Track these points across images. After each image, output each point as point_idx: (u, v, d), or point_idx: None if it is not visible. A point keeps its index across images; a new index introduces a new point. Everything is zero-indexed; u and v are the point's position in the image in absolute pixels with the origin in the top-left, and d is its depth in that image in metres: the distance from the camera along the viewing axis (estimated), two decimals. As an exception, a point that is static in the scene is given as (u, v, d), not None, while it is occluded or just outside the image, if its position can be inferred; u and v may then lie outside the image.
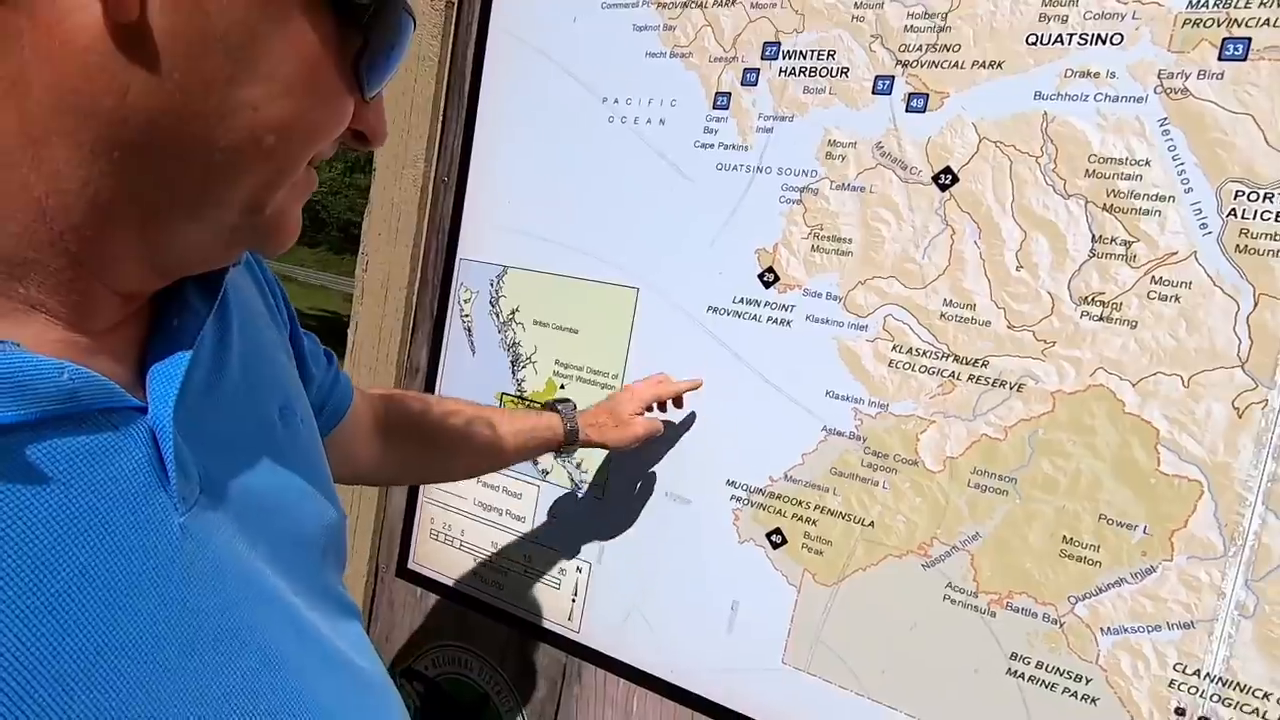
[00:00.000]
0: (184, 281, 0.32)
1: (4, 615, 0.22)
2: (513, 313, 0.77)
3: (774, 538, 0.64)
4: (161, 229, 0.28)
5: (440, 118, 0.82)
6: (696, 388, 0.66)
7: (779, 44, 0.64)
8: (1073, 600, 0.53)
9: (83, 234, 0.26)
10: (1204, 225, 0.50)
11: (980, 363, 0.56)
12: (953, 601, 0.57)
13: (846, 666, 0.61)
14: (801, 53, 0.63)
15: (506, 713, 0.77)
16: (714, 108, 0.66)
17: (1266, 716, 0.48)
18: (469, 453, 0.62)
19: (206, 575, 0.29)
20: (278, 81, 0.27)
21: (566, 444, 0.64)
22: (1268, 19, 0.48)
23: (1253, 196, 0.49)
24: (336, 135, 0.31)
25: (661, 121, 0.69)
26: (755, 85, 0.65)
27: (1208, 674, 0.50)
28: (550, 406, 0.66)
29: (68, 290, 0.27)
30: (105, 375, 0.27)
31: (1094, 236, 0.53)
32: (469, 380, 0.80)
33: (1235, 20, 0.49)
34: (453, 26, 0.81)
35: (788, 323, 0.63)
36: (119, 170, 0.26)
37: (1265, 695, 0.48)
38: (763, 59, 0.64)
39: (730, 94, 0.66)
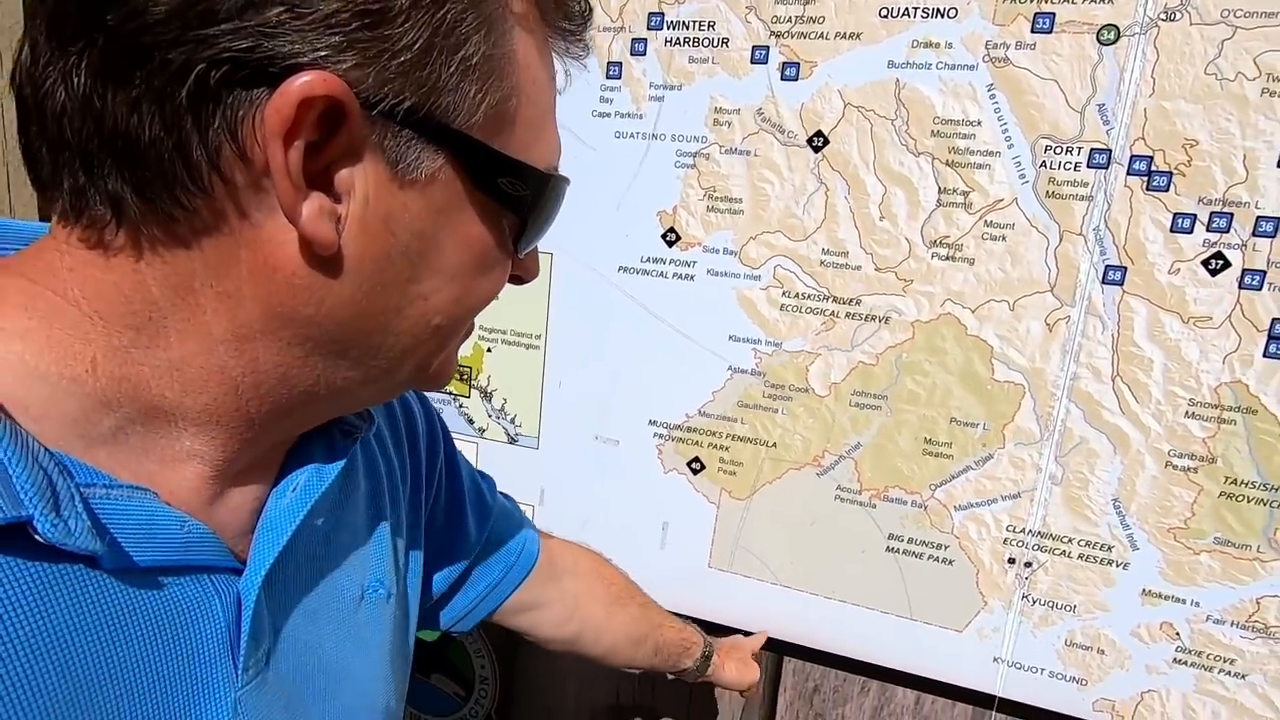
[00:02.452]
0: (314, 448, 0.34)
1: None
2: (431, 283, 0.80)
3: (694, 465, 0.73)
4: (338, 394, 0.31)
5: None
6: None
7: (663, 14, 0.68)
8: (933, 487, 0.66)
9: (266, 402, 0.29)
10: (1022, 176, 0.60)
11: (855, 301, 0.66)
12: (842, 500, 0.69)
13: (762, 562, 0.73)
14: (684, 23, 0.67)
15: (471, 642, 0.86)
16: (607, 77, 0.70)
17: (1070, 554, 0.64)
18: (614, 659, 0.63)
19: None
20: (447, 272, 0.30)
21: (700, 664, 0.66)
22: (1067, -3, 0.57)
23: (1058, 150, 0.59)
24: (497, 296, 0.33)
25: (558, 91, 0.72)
26: (644, 55, 0.69)
27: (1030, 530, 0.65)
28: (688, 618, 0.69)
29: (235, 443, 0.30)
30: (223, 524, 0.30)
31: (939, 188, 0.62)
32: (395, 350, 0.83)
33: (1043, -3, 0.58)
34: None
35: (691, 277, 0.71)
36: (309, 357, 0.29)
37: (1069, 540, 0.64)
38: (649, 29, 0.68)
39: (621, 63, 0.70)
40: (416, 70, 0.25)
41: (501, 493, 0.58)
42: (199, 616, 0.29)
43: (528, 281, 0.36)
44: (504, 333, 0.78)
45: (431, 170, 0.27)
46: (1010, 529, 0.65)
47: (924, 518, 0.67)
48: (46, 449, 0.25)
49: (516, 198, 0.30)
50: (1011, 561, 0.65)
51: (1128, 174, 0.58)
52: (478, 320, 0.78)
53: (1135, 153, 0.57)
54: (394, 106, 0.25)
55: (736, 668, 0.69)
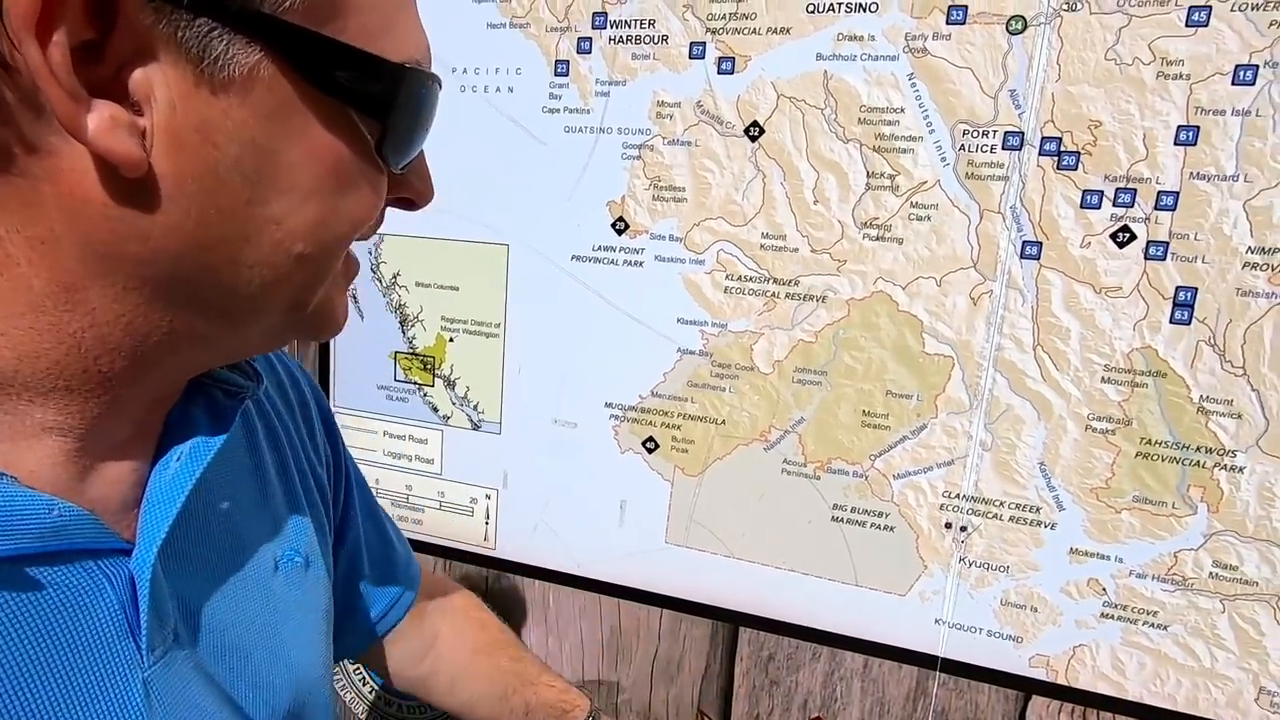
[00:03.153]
0: (195, 410, 0.31)
1: None
2: (394, 277, 0.83)
3: (648, 444, 0.76)
4: (200, 342, 0.28)
5: (293, 92, 0.83)
6: None
7: (606, 14, 0.71)
8: (872, 458, 0.70)
9: (118, 358, 0.26)
10: (944, 159, 0.64)
11: (793, 282, 0.69)
12: (789, 473, 0.72)
13: (715, 537, 0.76)
14: (626, 22, 0.71)
15: (441, 627, 0.88)
16: (555, 75, 0.74)
17: (1001, 517, 0.67)
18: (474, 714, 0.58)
19: None
20: (299, 190, 0.26)
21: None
22: (977, -10, 0.61)
23: (975, 134, 0.63)
24: (373, 219, 0.30)
25: (510, 90, 0.75)
26: (590, 53, 0.72)
27: (964, 495, 0.68)
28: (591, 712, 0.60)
29: (93, 407, 0.27)
30: (101, 501, 0.27)
31: (868, 173, 0.66)
32: (362, 344, 0.86)
33: (956, -9, 0.62)
34: None
35: (640, 263, 0.74)
36: (153, 301, 0.25)
37: (1000, 503, 0.67)
38: (593, 28, 0.72)
39: (569, 61, 0.73)
40: None
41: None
42: (88, 603, 0.26)
43: (421, 205, 0.33)
44: (465, 322, 0.81)
45: (248, 66, 0.23)
46: (946, 495, 0.68)
47: (865, 487, 0.70)
48: None
49: (367, 96, 0.26)
50: (948, 526, 0.69)
51: (1039, 154, 0.62)
52: (440, 312, 0.81)
53: (1045, 134, 0.61)
54: None
55: None
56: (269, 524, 0.37)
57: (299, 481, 0.41)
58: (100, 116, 0.22)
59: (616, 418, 0.77)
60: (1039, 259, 0.63)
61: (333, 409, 0.88)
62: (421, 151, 0.32)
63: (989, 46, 0.61)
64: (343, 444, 0.50)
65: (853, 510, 0.71)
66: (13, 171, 0.22)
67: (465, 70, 0.76)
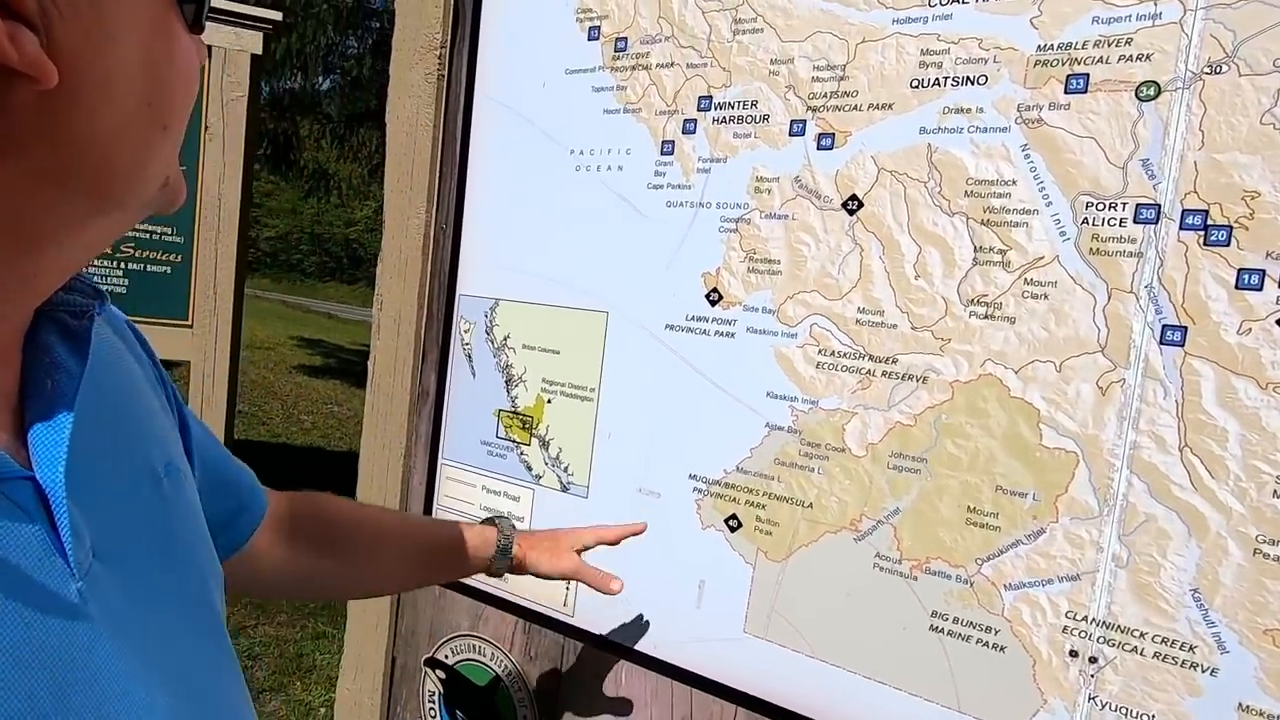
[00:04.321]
0: (49, 337, 0.33)
1: None
2: (505, 339, 0.89)
3: (731, 522, 0.73)
4: (86, 227, 0.30)
5: (437, 174, 0.94)
6: (638, 533, 0.71)
7: (711, 97, 0.74)
8: (979, 562, 0.62)
9: (13, 264, 0.28)
10: (1063, 233, 0.59)
11: (891, 360, 0.65)
12: (881, 569, 0.66)
13: (798, 632, 0.70)
14: (730, 104, 0.73)
15: (515, 691, 0.87)
16: (661, 154, 0.77)
17: (1143, 651, 0.56)
18: (381, 564, 0.60)
19: (107, 640, 0.29)
20: (159, 70, 0.30)
21: (499, 556, 0.65)
22: (1100, 57, 0.57)
23: (1100, 206, 0.57)
24: (198, 80, 0.33)
25: (620, 168, 0.80)
26: (694, 133, 0.75)
27: (1094, 619, 0.58)
28: (490, 521, 0.67)
29: None
30: None
31: (975, 247, 0.62)
32: (471, 400, 0.91)
33: (1076, 59, 0.58)
34: (444, 96, 0.93)
35: (731, 335, 0.73)
36: (53, 194, 0.28)
37: (1141, 634, 0.56)
38: (698, 110, 0.75)
39: (674, 141, 0.76)
40: None
41: None
42: (13, 527, 0.27)
43: (199, 65, 0.35)
44: (563, 385, 0.84)
45: None
46: (1070, 615, 0.58)
47: (970, 595, 0.62)
48: None
49: None
50: (1074, 654, 0.58)
51: (1180, 229, 0.55)
52: (542, 374, 0.85)
53: (1187, 207, 0.54)
54: None
55: (548, 559, 0.67)
56: (141, 436, 0.38)
57: (153, 397, 0.42)
58: (16, 37, 0.24)
59: (700, 491, 0.75)
60: (1183, 345, 0.54)
61: (440, 460, 0.94)
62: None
63: (1115, 115, 0.57)
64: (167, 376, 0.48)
65: (955, 620, 0.62)
66: None
67: (581, 151, 0.82)
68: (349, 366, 7.70)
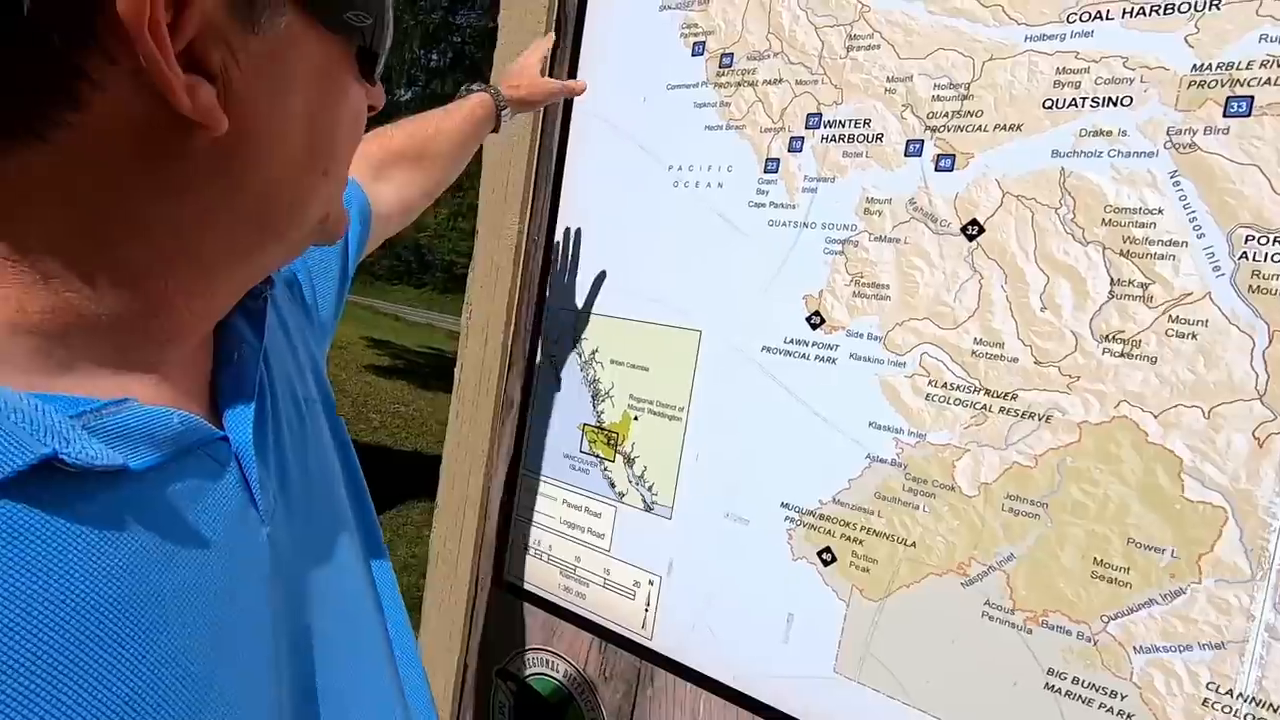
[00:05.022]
0: (235, 319, 0.37)
1: (176, 631, 0.26)
2: (593, 353, 0.88)
3: (824, 556, 0.70)
4: (254, 257, 0.34)
5: (531, 186, 0.95)
6: (575, 90, 0.84)
7: (820, 115, 0.72)
8: (1105, 619, 0.57)
9: (197, 294, 0.32)
10: (1216, 268, 0.54)
11: (1010, 396, 0.61)
12: (990, 618, 0.61)
13: (893, 677, 0.66)
14: (841, 122, 0.71)
15: (588, 711, 0.86)
16: (764, 172, 0.75)
17: (1300, 737, 0.50)
18: (445, 156, 0.74)
19: (287, 576, 0.34)
20: (327, 120, 0.32)
21: (500, 109, 0.78)
22: (1268, 79, 0.52)
23: (1263, 240, 0.52)
24: (363, 130, 0.36)
25: (720, 185, 0.79)
26: (800, 151, 0.73)
27: (1240, 694, 0.52)
28: (468, 90, 0.79)
29: (180, 333, 0.32)
30: (186, 401, 0.32)
31: (1112, 279, 0.57)
32: (556, 412, 0.91)
33: (1237, 80, 0.53)
34: (542, 110, 0.94)
35: (833, 360, 0.70)
36: (229, 231, 0.31)
37: (1299, 716, 0.50)
38: (806, 128, 0.73)
39: (779, 159, 0.75)
40: None
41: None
42: (218, 484, 0.31)
43: (378, 109, 0.38)
44: (651, 402, 0.83)
45: (285, 23, 0.29)
46: (1213, 688, 0.53)
47: (1094, 655, 0.57)
48: (21, 393, 0.25)
49: (365, 28, 0.32)
50: (1215, 731, 0.53)
51: (1361, 268, 0.49)
52: (629, 390, 0.84)
53: (1370, 244, 0.49)
54: None
55: (531, 91, 0.81)
56: (290, 378, 0.42)
57: (301, 324, 0.48)
58: (195, 90, 0.26)
59: (792, 520, 0.72)
60: (1361, 397, 0.49)
61: (522, 470, 0.94)
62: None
63: (1284, 141, 0.52)
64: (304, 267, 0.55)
65: (1075, 681, 0.58)
66: (109, 148, 0.27)
67: (680, 167, 0.81)
68: (415, 368, 7.93)
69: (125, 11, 0.24)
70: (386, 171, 0.69)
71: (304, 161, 0.32)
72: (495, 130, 0.81)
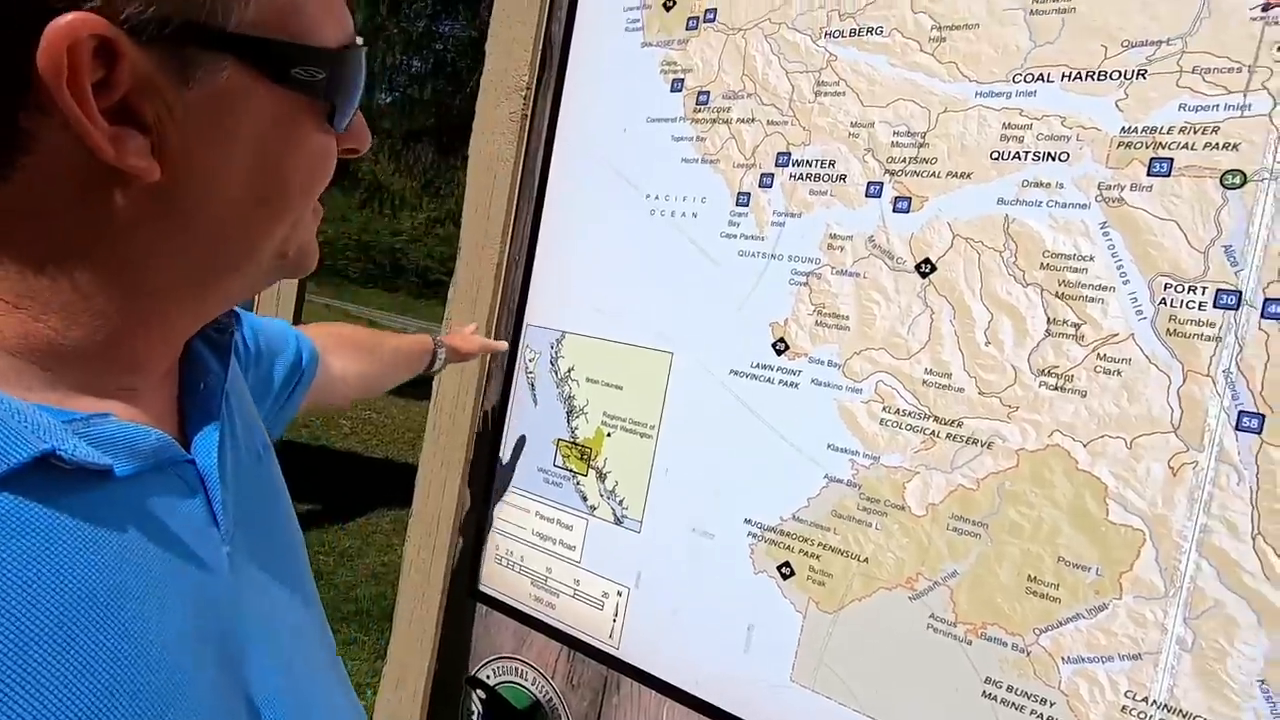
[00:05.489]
0: (201, 349, 0.39)
1: (145, 619, 0.28)
2: (569, 371, 0.92)
3: (783, 570, 0.74)
4: (214, 293, 0.35)
5: (514, 208, 0.98)
6: (493, 349, 0.94)
7: (790, 154, 0.77)
8: (1037, 632, 0.62)
9: (158, 322, 0.33)
10: (1139, 311, 0.59)
11: (956, 423, 0.66)
12: (935, 630, 0.66)
13: (845, 685, 0.70)
14: (808, 161, 0.76)
15: (555, 718, 0.88)
16: (736, 205, 0.80)
17: (1205, 740, 0.55)
18: (385, 362, 0.82)
19: (249, 597, 0.36)
20: (274, 167, 0.32)
21: (437, 348, 0.87)
22: (1185, 143, 0.58)
23: (1179, 289, 0.58)
24: (330, 175, 0.36)
25: (694, 215, 0.83)
26: (770, 187, 0.78)
27: (1155, 701, 0.57)
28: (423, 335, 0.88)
29: (148, 358, 0.34)
30: (156, 422, 0.34)
31: (1049, 319, 0.63)
32: (531, 427, 0.94)
33: (1160, 143, 0.59)
34: (525, 134, 0.98)
35: (795, 385, 0.75)
36: (183, 270, 0.32)
37: (1205, 722, 0.55)
38: (776, 166, 0.78)
39: (750, 194, 0.79)
40: None
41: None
42: (185, 500, 0.33)
43: (362, 151, 0.38)
44: (624, 420, 0.86)
45: (224, 79, 0.29)
46: (1130, 695, 0.58)
47: (1026, 664, 0.62)
48: (19, 400, 0.27)
49: (316, 83, 0.32)
50: (1132, 735, 0.58)
51: (1262, 317, 0.55)
52: (603, 407, 0.87)
53: (1270, 295, 0.55)
54: (161, 27, 0.27)
55: (460, 340, 0.90)
56: (248, 421, 0.44)
57: (244, 378, 0.49)
58: (123, 140, 0.28)
59: (754, 536, 0.76)
60: (1260, 433, 0.55)
61: (496, 483, 0.96)
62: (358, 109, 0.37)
63: (1199, 200, 0.57)
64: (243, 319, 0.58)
65: (1009, 689, 0.62)
66: (57, 191, 0.28)
67: (657, 196, 0.86)
68: (388, 374, 7.83)
69: (44, 70, 0.25)
70: (337, 349, 0.75)
71: (250, 204, 0.33)
72: (429, 369, 0.89)
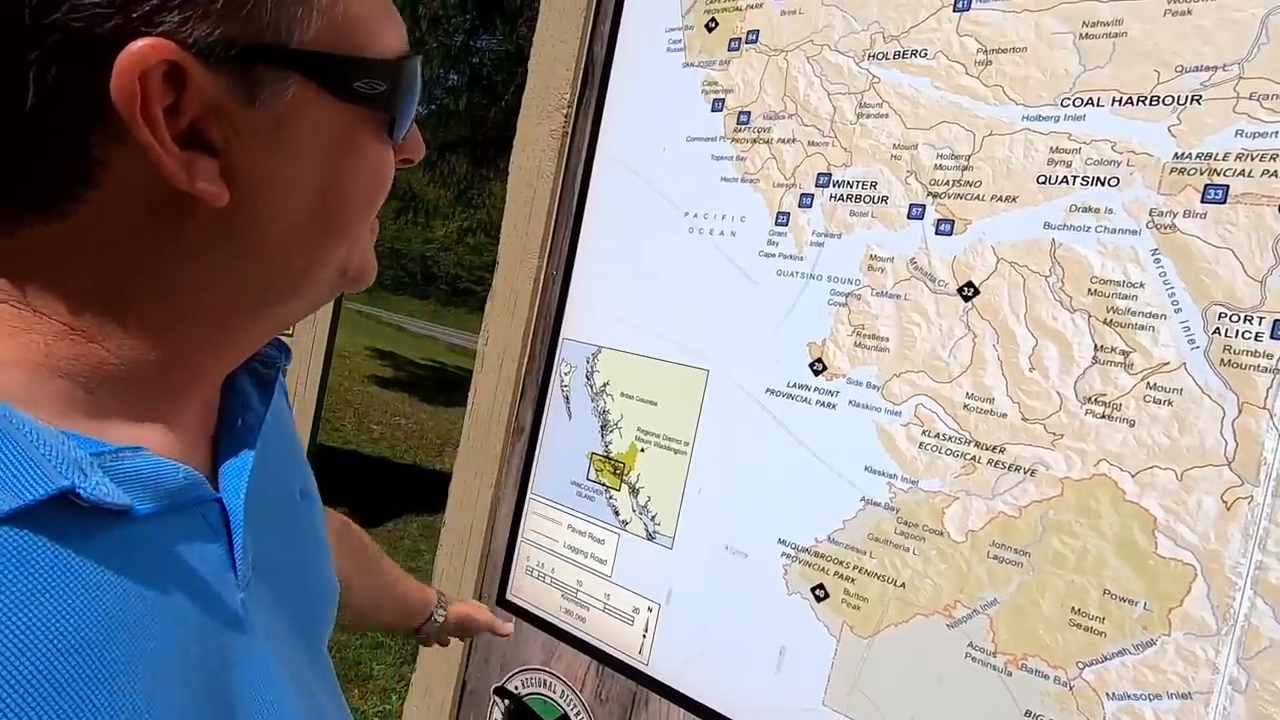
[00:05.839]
0: (244, 383, 0.38)
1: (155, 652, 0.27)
2: (604, 385, 0.92)
3: (818, 592, 0.73)
4: (271, 314, 0.35)
5: (552, 223, 1.00)
6: (499, 632, 0.86)
7: (830, 175, 0.77)
8: (1080, 665, 0.60)
9: (211, 348, 0.33)
10: (1192, 341, 0.58)
11: (998, 449, 0.65)
12: (973, 659, 0.65)
13: (879, 711, 0.69)
14: (849, 183, 0.76)
15: (582, 733, 0.88)
16: (775, 224, 0.80)
17: (1259, 786, 0.53)
18: (370, 588, 0.71)
19: (261, 647, 0.34)
20: (337, 184, 0.32)
21: (438, 607, 0.79)
22: (1242, 170, 0.57)
23: (1234, 318, 0.57)
24: (388, 188, 0.36)
25: (733, 234, 0.83)
26: (810, 208, 0.78)
27: (1205, 743, 0.55)
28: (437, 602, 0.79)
29: (193, 386, 0.33)
30: (190, 459, 0.33)
31: (1096, 345, 0.62)
32: (565, 440, 0.95)
33: (1215, 170, 0.58)
34: (566, 151, 0.99)
35: (833, 405, 0.74)
36: (240, 290, 0.32)
37: (1259, 767, 0.53)
38: (817, 186, 0.78)
39: (789, 214, 0.79)
40: (238, 8, 0.27)
41: None
42: (204, 541, 0.32)
43: (416, 161, 0.38)
44: (658, 436, 0.87)
45: (289, 96, 0.30)
46: (1179, 736, 0.56)
47: (1069, 699, 0.60)
48: (50, 427, 0.26)
49: (377, 95, 0.32)
50: (1180, 777, 0.56)
51: (1322, 349, 0.53)
52: (637, 423, 0.88)
53: (1331, 327, 0.53)
54: (229, 49, 0.27)
55: (466, 609, 0.82)
56: (291, 462, 0.44)
57: (291, 423, 0.48)
58: (193, 164, 0.28)
59: (788, 556, 0.76)
60: (1320, 469, 0.53)
61: (529, 495, 0.97)
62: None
63: (1255, 228, 0.56)
64: None
65: (1051, 724, 0.61)
66: (125, 217, 0.29)
67: (695, 215, 0.86)
68: (418, 381, 7.96)
69: (118, 98, 0.26)
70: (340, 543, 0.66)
71: (313, 223, 0.33)
72: (419, 629, 0.79)
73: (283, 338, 0.48)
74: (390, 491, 4.12)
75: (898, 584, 0.69)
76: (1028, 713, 0.62)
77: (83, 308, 0.30)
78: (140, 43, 0.26)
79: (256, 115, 0.29)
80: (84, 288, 0.30)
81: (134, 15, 0.26)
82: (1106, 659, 0.59)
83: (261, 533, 0.37)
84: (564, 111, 0.99)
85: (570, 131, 0.99)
